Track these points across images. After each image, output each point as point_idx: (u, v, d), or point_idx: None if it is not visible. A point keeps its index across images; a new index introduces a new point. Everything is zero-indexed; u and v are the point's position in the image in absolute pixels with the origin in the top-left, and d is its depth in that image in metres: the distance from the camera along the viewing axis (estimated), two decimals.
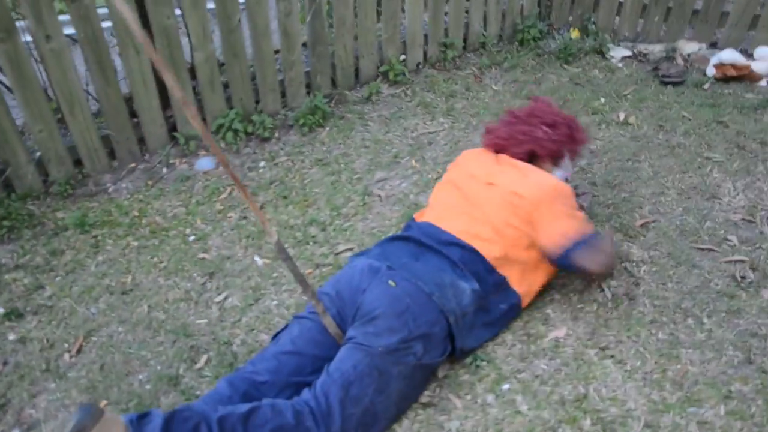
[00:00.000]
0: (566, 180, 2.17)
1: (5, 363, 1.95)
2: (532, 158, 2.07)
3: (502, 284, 1.87)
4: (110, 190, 2.79)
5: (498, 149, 2.11)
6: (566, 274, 2.09)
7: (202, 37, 2.81)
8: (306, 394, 1.57)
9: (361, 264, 1.79)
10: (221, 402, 1.56)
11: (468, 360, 1.83)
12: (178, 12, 2.75)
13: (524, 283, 1.92)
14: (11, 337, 2.04)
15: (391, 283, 1.70)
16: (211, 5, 2.79)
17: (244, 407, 1.48)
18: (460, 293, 1.75)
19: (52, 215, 2.61)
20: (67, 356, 1.96)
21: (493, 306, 1.86)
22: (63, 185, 2.71)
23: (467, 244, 1.86)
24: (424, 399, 1.72)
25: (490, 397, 1.73)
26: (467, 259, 1.84)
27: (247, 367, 1.68)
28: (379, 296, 1.68)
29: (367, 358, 1.57)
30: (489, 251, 1.86)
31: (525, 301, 1.95)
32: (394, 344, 1.60)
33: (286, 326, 1.79)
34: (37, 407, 1.80)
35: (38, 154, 2.67)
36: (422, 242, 1.88)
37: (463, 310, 1.74)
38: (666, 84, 3.40)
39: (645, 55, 3.75)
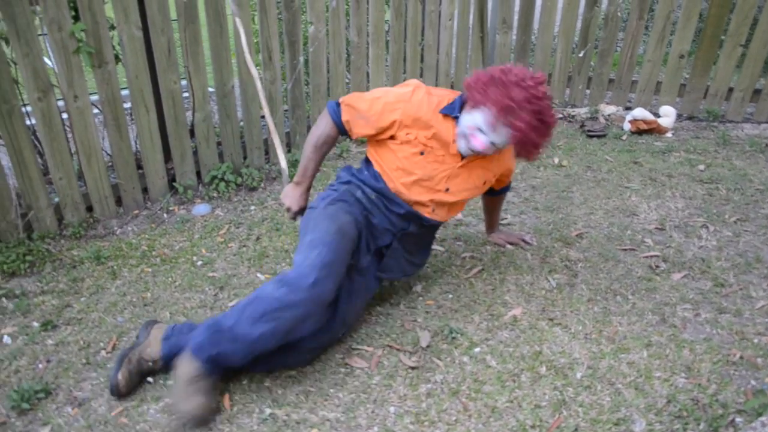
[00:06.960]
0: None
1: (48, 361, 2.26)
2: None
3: (377, 175, 2.27)
4: (118, 232, 3.15)
5: None
6: (515, 270, 2.58)
7: (202, 100, 3.30)
8: None
9: None
10: None
11: (445, 333, 2.26)
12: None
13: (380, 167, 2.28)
14: (50, 342, 2.35)
15: None
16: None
17: None
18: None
19: (68, 253, 2.94)
20: (103, 353, 2.28)
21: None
22: (76, 228, 3.07)
23: None
24: (412, 364, 2.13)
25: (466, 358, 2.15)
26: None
27: None
28: None
29: None
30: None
31: (390, 187, 2.26)
32: None
33: None
34: (84, 389, 2.12)
35: (56, 199, 3.04)
36: None
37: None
38: (591, 137, 4.05)
39: (573, 116, 4.42)
